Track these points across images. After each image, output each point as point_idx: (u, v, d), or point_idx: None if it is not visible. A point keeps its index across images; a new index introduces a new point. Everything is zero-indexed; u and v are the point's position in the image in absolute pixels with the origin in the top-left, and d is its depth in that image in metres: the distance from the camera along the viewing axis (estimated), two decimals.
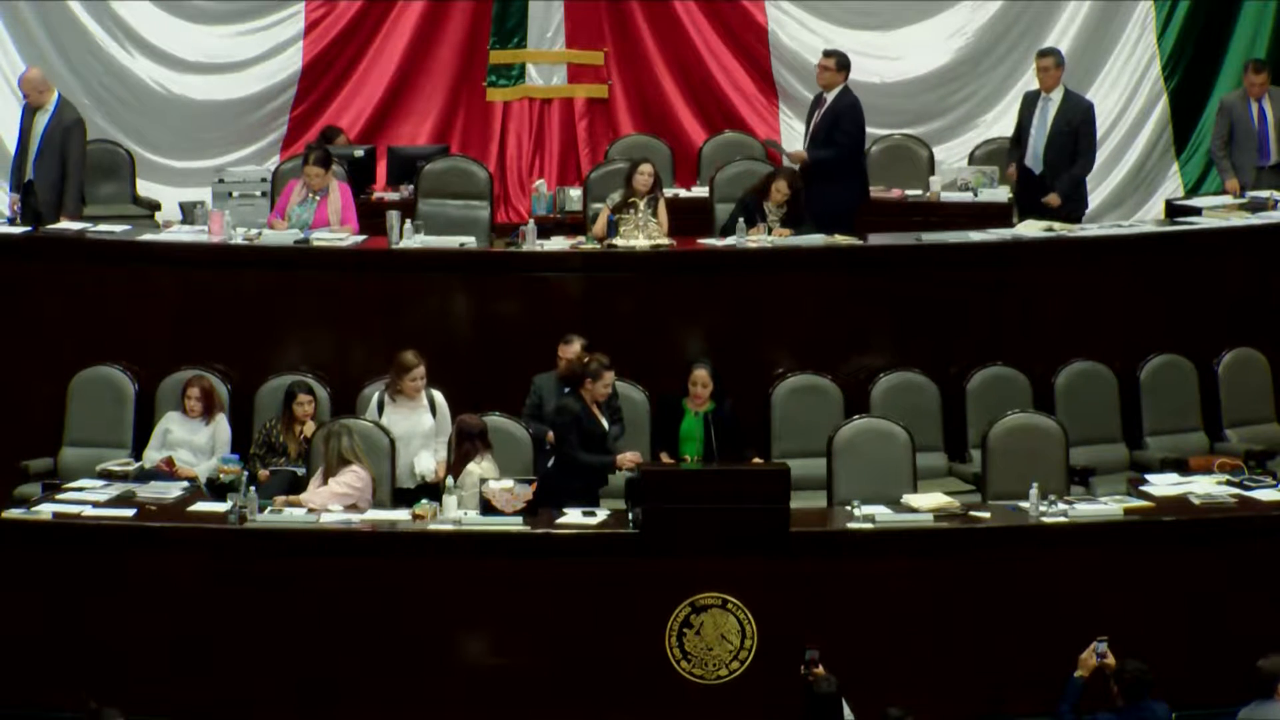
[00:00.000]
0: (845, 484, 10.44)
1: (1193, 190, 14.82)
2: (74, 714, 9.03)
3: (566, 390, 10.73)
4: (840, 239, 12.10)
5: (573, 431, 10.49)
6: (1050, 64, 13.08)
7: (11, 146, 13.40)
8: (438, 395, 10.87)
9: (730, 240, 11.97)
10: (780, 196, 12.29)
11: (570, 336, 10.98)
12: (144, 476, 10.61)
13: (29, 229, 12.04)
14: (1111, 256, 12.01)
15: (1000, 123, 14.18)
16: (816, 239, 12.03)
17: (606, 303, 11.56)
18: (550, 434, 10.73)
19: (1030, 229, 12.20)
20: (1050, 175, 12.89)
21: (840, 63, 13.34)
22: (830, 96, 13.27)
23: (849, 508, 9.96)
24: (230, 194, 12.83)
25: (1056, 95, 13.05)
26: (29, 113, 13.07)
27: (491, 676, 9.63)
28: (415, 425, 10.77)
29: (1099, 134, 14.78)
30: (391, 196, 13.51)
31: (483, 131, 15.11)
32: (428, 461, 10.70)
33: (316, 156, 12.25)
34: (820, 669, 8.84)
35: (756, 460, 10.81)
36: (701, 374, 10.93)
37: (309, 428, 10.86)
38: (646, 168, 12.34)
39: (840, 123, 13.14)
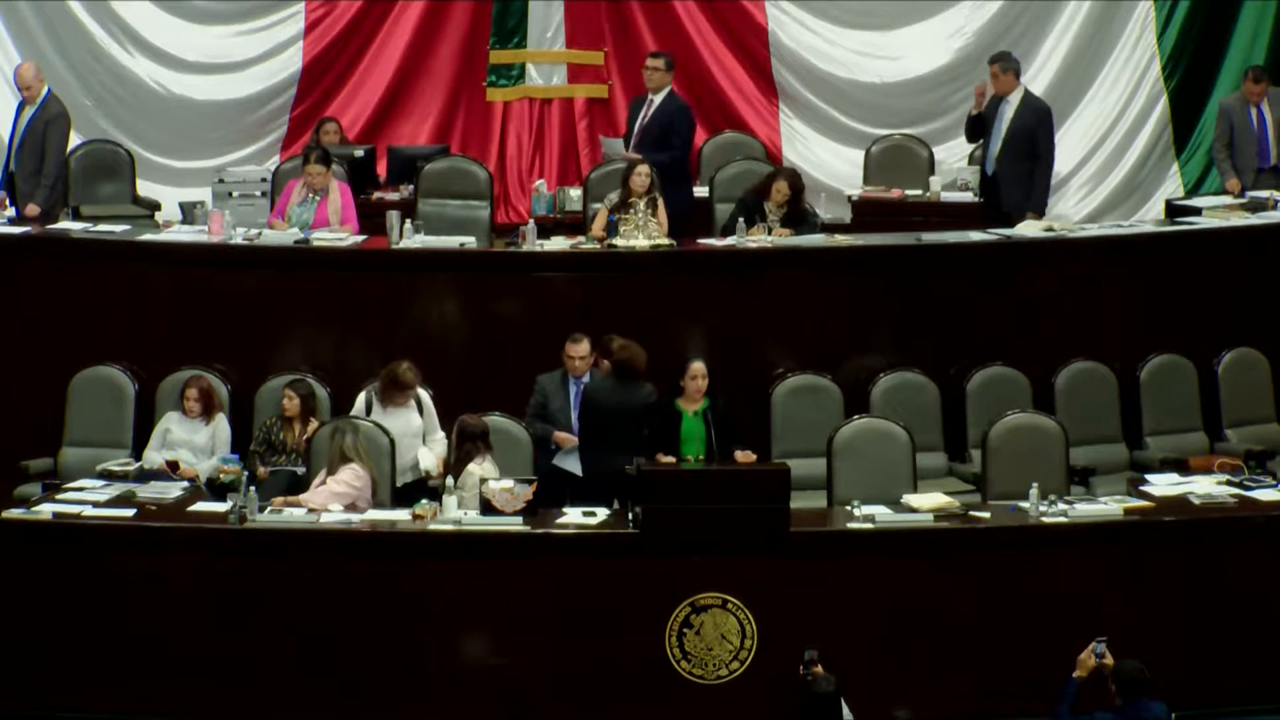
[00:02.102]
0: (845, 484, 10.43)
1: (1193, 190, 14.80)
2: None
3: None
4: (840, 239, 12.10)
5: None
6: (997, 70, 13.03)
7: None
8: (422, 392, 10.86)
9: (730, 240, 11.96)
10: (780, 197, 12.27)
11: (578, 335, 10.97)
12: (144, 476, 10.61)
13: (26, 229, 12.04)
14: (1111, 256, 12.01)
15: None
16: (817, 239, 12.03)
17: (606, 303, 11.55)
18: (558, 435, 10.74)
19: (1030, 229, 12.19)
20: (1002, 179, 12.84)
21: (669, 64, 13.41)
22: (658, 98, 13.33)
23: (849, 508, 9.95)
24: (230, 194, 12.83)
25: (1015, 98, 13.02)
26: (21, 107, 13.13)
27: (491, 676, 9.62)
28: (405, 425, 10.74)
29: (1098, 135, 14.86)
30: (391, 196, 13.49)
31: (483, 131, 15.08)
32: (429, 457, 10.70)
33: (317, 155, 12.25)
34: (820, 669, 8.84)
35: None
36: (698, 365, 10.79)
37: (311, 426, 10.86)
38: (643, 168, 12.30)
39: (675, 126, 13.18)
